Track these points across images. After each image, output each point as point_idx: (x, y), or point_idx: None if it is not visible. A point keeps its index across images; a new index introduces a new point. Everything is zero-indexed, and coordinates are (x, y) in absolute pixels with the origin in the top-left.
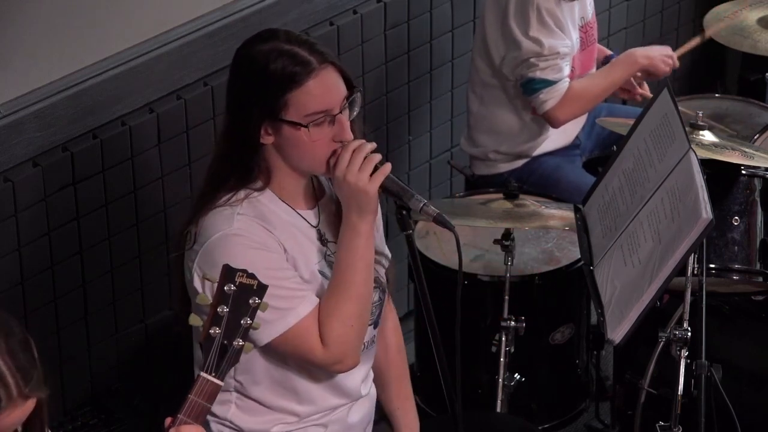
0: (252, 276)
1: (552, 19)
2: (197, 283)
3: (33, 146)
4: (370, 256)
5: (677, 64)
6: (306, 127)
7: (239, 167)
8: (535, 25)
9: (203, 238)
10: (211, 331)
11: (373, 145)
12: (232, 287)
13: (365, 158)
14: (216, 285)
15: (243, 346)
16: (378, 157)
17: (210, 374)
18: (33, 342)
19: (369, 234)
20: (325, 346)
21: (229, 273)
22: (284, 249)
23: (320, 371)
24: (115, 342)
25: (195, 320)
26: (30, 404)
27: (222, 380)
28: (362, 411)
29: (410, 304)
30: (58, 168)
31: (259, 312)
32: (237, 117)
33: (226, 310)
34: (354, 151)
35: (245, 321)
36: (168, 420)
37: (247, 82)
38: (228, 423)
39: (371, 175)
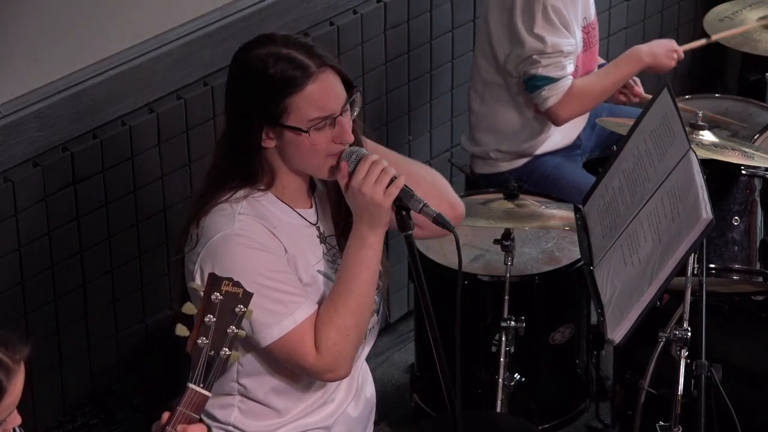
0: (237, 284)
1: (557, 16)
2: (199, 283)
3: (33, 146)
4: (375, 269)
5: (682, 56)
6: (307, 132)
7: (243, 170)
8: (540, 22)
9: (205, 239)
10: (199, 341)
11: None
12: (219, 296)
13: (382, 171)
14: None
15: (230, 355)
16: (393, 171)
17: (198, 385)
18: None
19: (377, 246)
20: (318, 352)
21: (214, 282)
22: (285, 250)
23: (311, 379)
24: (115, 342)
25: (189, 308)
26: (23, 366)
27: (210, 391)
28: (360, 406)
29: (410, 304)
30: (58, 168)
31: (254, 315)
32: (237, 122)
33: (212, 319)
34: (372, 163)
35: (231, 330)
36: (165, 415)
37: (246, 88)
38: (231, 428)
39: (386, 189)
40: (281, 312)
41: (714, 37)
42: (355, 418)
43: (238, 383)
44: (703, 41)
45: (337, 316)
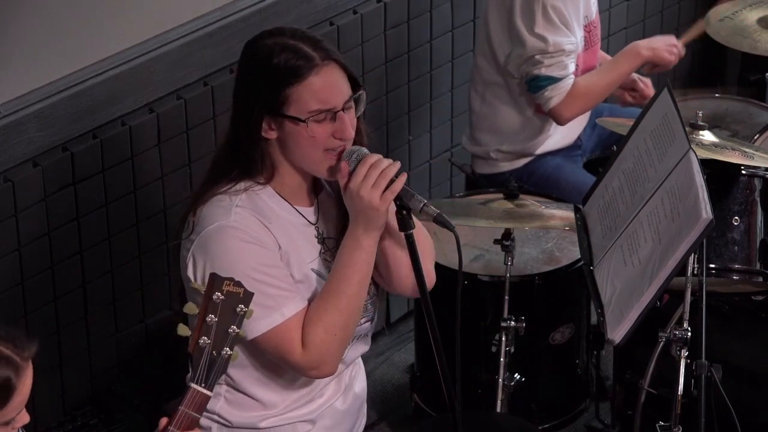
0: (238, 284)
1: (557, 16)
2: (190, 271)
3: (33, 146)
4: (368, 271)
5: (683, 52)
6: (305, 122)
7: (242, 160)
8: (540, 22)
9: (200, 227)
10: (200, 341)
11: (390, 162)
12: (220, 296)
13: (380, 174)
14: (203, 293)
15: (231, 355)
16: (392, 173)
17: (200, 385)
18: None
19: (371, 249)
20: (305, 349)
21: (216, 282)
22: (279, 245)
23: (296, 375)
24: (115, 342)
25: (190, 308)
26: (31, 364)
27: (211, 391)
28: (349, 401)
29: (410, 304)
30: (58, 168)
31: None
32: (241, 111)
33: (214, 319)
34: (371, 166)
35: (232, 329)
36: (164, 420)
37: (251, 76)
38: (216, 417)
39: (383, 192)
40: (270, 306)
41: (710, 18)
42: (343, 411)
43: (226, 373)
44: (701, 25)
45: (326, 314)
